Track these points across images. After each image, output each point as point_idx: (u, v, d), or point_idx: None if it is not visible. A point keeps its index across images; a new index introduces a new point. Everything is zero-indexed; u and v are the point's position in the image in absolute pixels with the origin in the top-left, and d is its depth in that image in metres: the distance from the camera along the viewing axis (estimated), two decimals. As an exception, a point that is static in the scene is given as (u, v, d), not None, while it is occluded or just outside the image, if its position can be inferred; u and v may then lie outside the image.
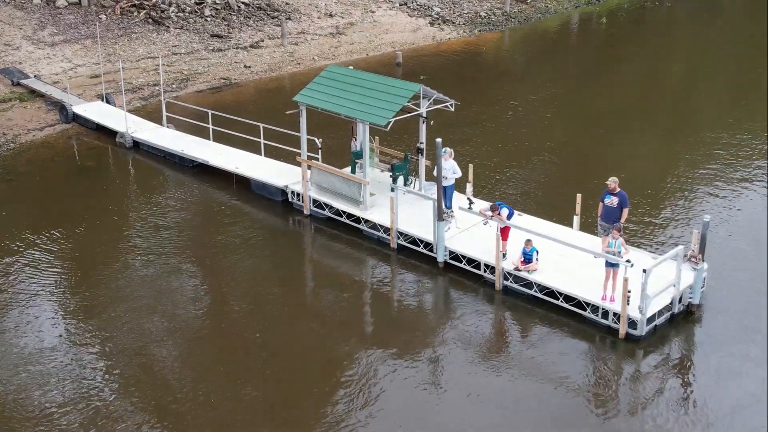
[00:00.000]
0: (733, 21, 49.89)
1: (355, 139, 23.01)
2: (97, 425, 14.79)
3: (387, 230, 20.94)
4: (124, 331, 17.59)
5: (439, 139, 19.59)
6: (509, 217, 19.13)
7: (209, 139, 26.60)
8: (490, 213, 19.17)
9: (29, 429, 14.70)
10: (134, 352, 16.90)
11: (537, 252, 18.56)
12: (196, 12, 40.12)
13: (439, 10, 45.53)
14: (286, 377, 16.16)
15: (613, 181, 18.70)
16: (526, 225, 19.49)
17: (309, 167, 22.58)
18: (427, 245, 20.25)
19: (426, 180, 22.61)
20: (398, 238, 20.76)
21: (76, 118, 29.52)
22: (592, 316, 17.59)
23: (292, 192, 23.09)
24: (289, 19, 41.36)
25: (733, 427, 14.81)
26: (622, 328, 17.03)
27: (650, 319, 17.14)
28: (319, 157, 23.24)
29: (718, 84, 36.38)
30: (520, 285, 18.66)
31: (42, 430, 14.69)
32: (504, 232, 18.95)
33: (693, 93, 35.70)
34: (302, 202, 22.77)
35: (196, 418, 15.02)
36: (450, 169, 20.75)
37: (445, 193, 20.49)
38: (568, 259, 18.89)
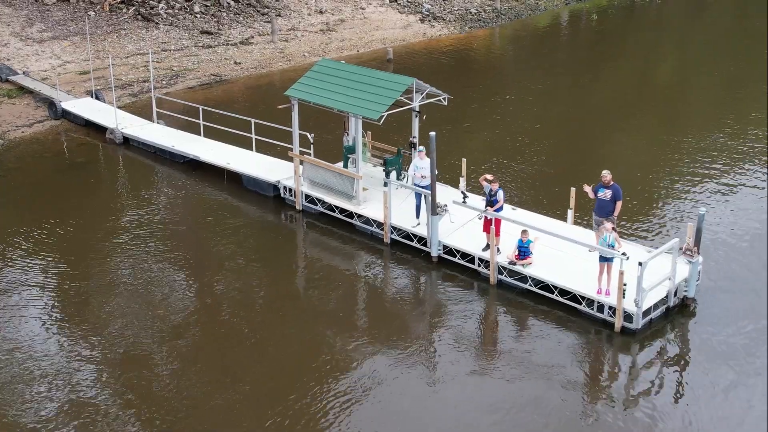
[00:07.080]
0: (722, 17, 49.89)
1: (348, 134, 22.85)
2: (85, 420, 14.63)
3: (380, 225, 20.80)
4: (113, 327, 17.40)
5: (432, 133, 19.36)
6: (499, 208, 18.99)
7: (200, 134, 26.39)
8: (488, 181, 19.03)
9: (14, 424, 14.53)
10: (124, 347, 16.71)
11: (532, 243, 18.45)
12: (186, 8, 39.89)
13: (430, 6, 45.41)
14: (276, 372, 15.98)
15: (606, 174, 18.59)
16: (520, 219, 19.37)
17: (301, 162, 22.42)
18: (421, 240, 20.13)
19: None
20: (392, 232, 20.63)
21: (66, 115, 29.27)
22: (587, 309, 17.50)
23: (284, 187, 22.92)
24: (279, 15, 41.18)
25: (728, 420, 14.73)
26: (618, 322, 16.95)
27: (646, 313, 17.07)
28: (311, 152, 23.08)
29: (710, 79, 36.37)
30: (515, 279, 18.56)
31: (29, 423, 14.52)
32: (496, 226, 18.74)
33: (685, 88, 35.65)
34: (294, 197, 22.60)
35: (189, 411, 14.87)
36: (426, 167, 20.04)
37: (420, 195, 20.28)
38: (562, 253, 18.80)
